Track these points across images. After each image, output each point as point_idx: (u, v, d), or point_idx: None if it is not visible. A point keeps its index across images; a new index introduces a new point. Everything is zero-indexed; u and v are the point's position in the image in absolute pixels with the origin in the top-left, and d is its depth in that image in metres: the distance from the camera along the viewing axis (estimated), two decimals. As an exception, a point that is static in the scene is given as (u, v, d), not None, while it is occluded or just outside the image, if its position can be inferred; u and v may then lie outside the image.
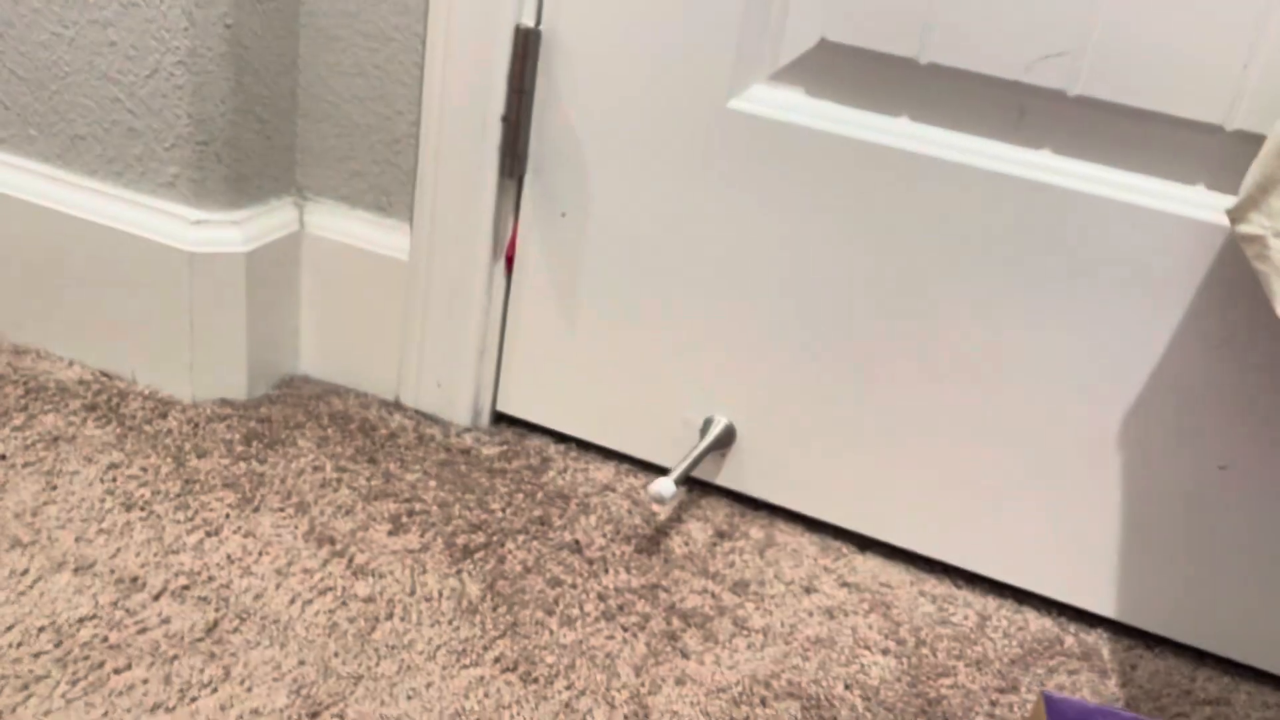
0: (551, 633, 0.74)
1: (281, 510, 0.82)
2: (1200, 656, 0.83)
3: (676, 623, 0.77)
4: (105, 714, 0.62)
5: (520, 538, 0.83)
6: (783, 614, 0.80)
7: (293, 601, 0.73)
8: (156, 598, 0.71)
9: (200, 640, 0.69)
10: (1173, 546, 0.81)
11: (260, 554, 0.77)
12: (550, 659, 0.72)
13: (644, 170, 0.85)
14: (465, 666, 0.70)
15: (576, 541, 0.84)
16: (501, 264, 0.92)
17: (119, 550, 0.75)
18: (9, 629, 0.67)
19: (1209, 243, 0.73)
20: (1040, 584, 0.85)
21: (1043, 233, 0.76)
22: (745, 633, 0.78)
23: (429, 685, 0.68)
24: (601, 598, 0.78)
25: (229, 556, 0.76)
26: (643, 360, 0.91)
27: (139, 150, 0.88)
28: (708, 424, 0.91)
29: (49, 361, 0.95)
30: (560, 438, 0.98)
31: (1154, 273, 0.74)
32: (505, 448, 0.95)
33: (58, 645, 0.66)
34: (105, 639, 0.67)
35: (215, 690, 0.65)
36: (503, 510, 0.86)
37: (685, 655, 0.74)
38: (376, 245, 0.94)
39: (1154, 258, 0.74)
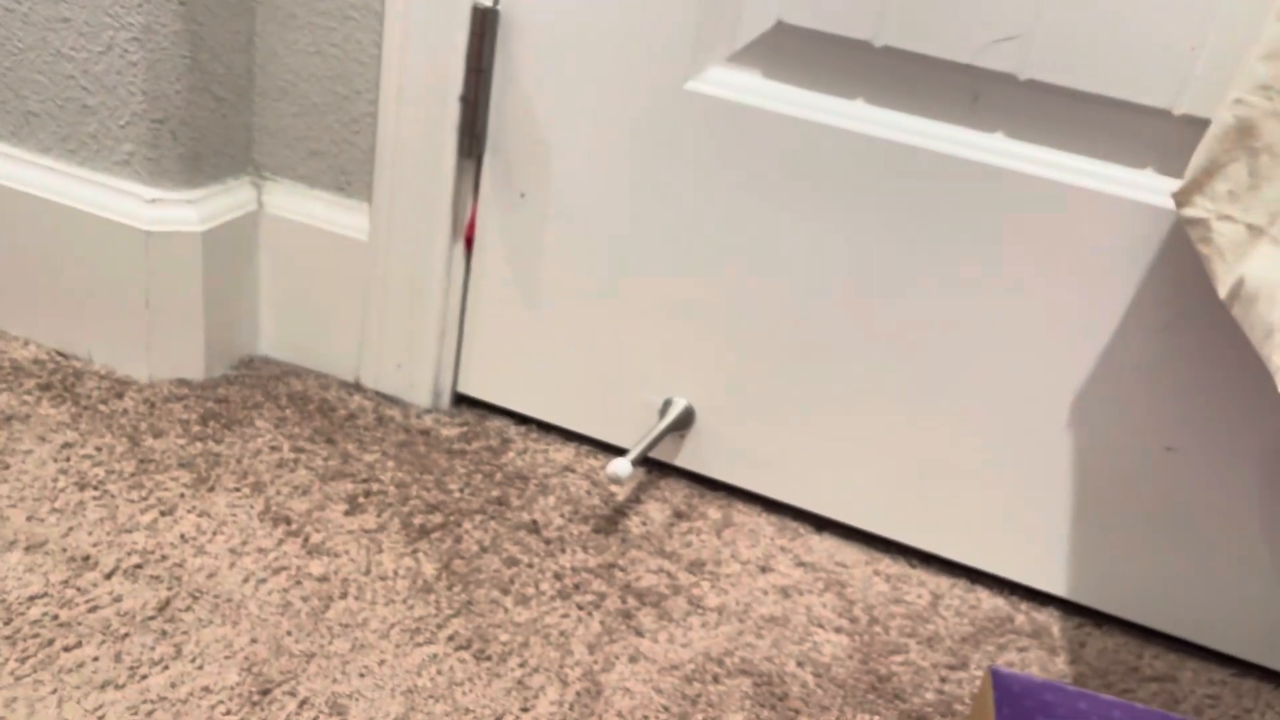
0: (506, 611, 0.75)
1: (237, 490, 0.81)
2: (1148, 634, 0.85)
3: (632, 601, 0.78)
4: (54, 691, 0.62)
5: (478, 518, 0.83)
6: (738, 593, 0.81)
7: (246, 580, 0.73)
8: (108, 576, 0.71)
9: (152, 619, 0.68)
10: (1122, 527, 0.82)
11: (214, 533, 0.77)
12: (504, 637, 0.72)
13: (603, 151, 0.85)
14: (419, 644, 0.70)
15: (534, 521, 0.84)
16: (461, 245, 0.92)
17: (71, 529, 0.74)
18: (-43, 607, 0.67)
19: (1157, 226, 0.74)
20: (993, 564, 0.87)
21: (995, 216, 0.77)
22: (700, 611, 0.78)
23: (381, 663, 0.68)
24: (557, 577, 0.79)
25: (183, 536, 0.76)
26: (602, 341, 0.91)
27: (93, 128, 0.87)
28: (667, 405, 0.91)
29: (3, 340, 0.94)
30: (521, 419, 0.98)
31: (1103, 256, 0.75)
32: (465, 429, 0.95)
33: (7, 623, 0.66)
34: (56, 617, 0.67)
35: (166, 668, 0.65)
36: (461, 491, 0.86)
37: (639, 633, 0.75)
38: (336, 225, 0.93)
39: (1103, 241, 0.75)
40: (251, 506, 0.80)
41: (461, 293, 0.94)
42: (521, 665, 0.70)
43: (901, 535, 0.89)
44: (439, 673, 0.68)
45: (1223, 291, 0.61)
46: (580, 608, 0.76)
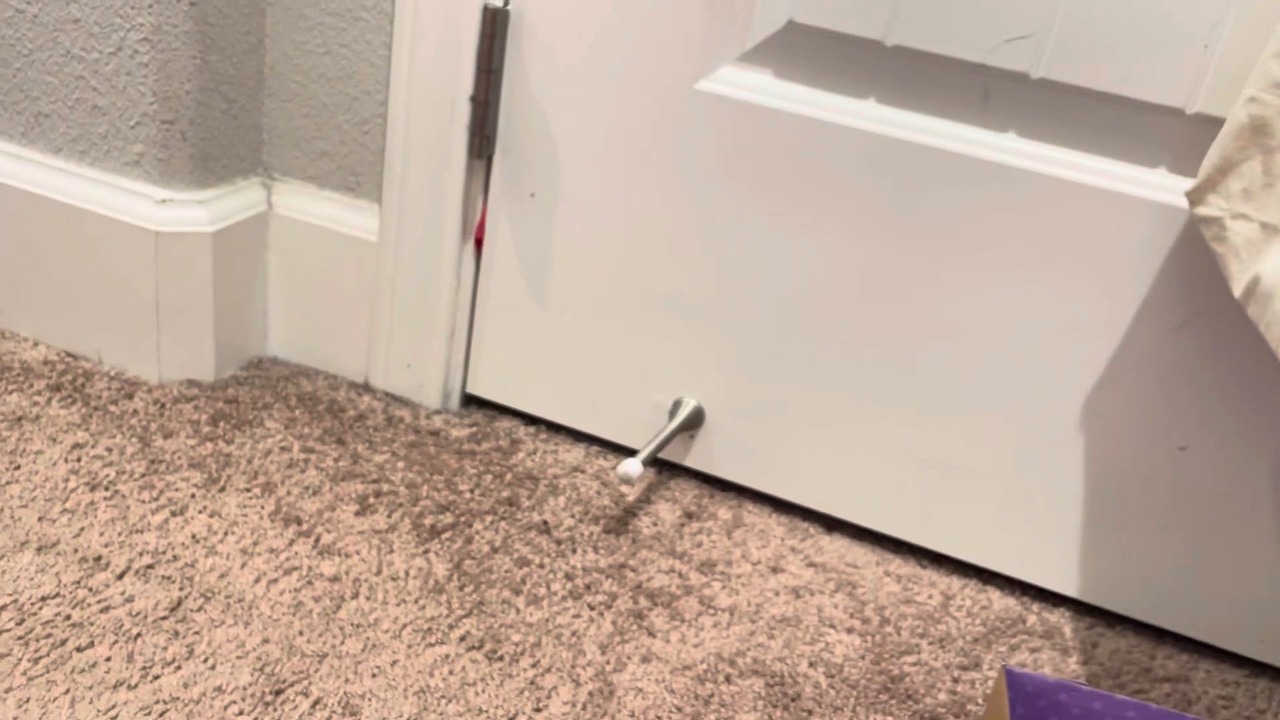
0: (518, 611, 0.75)
1: (248, 490, 0.81)
2: (1160, 635, 0.84)
3: (643, 602, 0.78)
4: (67, 691, 0.62)
5: (488, 518, 0.83)
6: (749, 593, 0.81)
7: (258, 580, 0.73)
8: (120, 576, 0.71)
9: (164, 619, 0.68)
10: (1134, 527, 0.82)
11: (225, 533, 0.77)
12: (516, 637, 0.72)
13: (613, 151, 0.85)
14: (430, 645, 0.70)
15: (545, 522, 0.84)
16: (471, 245, 0.92)
17: (83, 529, 0.74)
18: (-30, 608, 0.67)
19: (1170, 225, 0.73)
20: (1004, 564, 0.86)
21: (1008, 216, 0.77)
22: (711, 611, 0.78)
23: (394, 663, 0.68)
24: (569, 577, 0.79)
25: (194, 536, 0.76)
26: (612, 342, 0.91)
27: (104, 128, 0.87)
28: (677, 405, 0.91)
29: (13, 342, 0.94)
30: (530, 420, 0.98)
31: (1116, 255, 0.75)
32: (475, 429, 0.95)
33: (20, 623, 0.66)
34: (68, 617, 0.67)
35: (179, 668, 0.65)
36: (471, 491, 0.86)
37: (651, 633, 0.75)
38: (345, 226, 0.93)
39: (1116, 241, 0.75)
40: (262, 507, 0.80)
41: (471, 293, 0.94)
42: (534, 665, 0.70)
43: (912, 536, 0.88)
44: (451, 673, 0.68)
45: (1237, 290, 0.61)
46: (592, 608, 0.76)
